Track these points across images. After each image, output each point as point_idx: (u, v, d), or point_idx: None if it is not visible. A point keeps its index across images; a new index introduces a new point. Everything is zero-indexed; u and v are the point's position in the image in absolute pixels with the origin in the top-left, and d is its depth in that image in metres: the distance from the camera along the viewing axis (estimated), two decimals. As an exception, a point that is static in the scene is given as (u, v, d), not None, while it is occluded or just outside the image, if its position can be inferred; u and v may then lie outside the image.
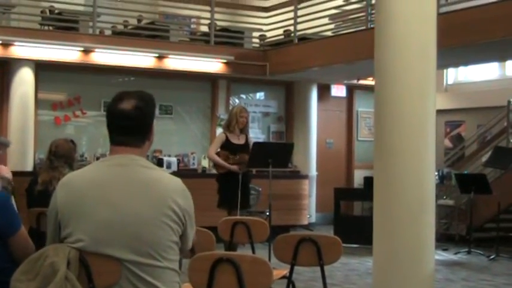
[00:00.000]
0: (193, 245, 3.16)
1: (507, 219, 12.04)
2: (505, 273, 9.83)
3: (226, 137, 8.82)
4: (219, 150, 8.83)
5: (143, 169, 3.01)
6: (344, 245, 4.87)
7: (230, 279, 3.35)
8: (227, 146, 8.76)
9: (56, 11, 12.75)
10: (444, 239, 12.45)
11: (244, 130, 8.90)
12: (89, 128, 13.29)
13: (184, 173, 12.35)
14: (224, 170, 8.73)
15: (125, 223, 2.88)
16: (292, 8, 13.43)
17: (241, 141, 8.84)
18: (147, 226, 2.89)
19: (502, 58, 12.96)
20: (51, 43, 11.70)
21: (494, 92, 14.04)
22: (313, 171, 14.38)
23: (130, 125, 3.04)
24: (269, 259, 6.80)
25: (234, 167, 8.65)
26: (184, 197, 3.01)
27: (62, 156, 6.07)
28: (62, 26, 12.38)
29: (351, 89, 15.72)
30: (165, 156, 12.79)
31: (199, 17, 14.49)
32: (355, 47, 11.17)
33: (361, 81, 14.98)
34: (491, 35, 9.20)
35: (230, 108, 13.79)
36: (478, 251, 11.21)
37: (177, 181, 3.04)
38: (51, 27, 12.56)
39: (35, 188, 6.05)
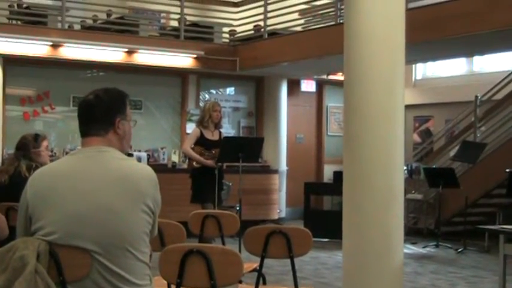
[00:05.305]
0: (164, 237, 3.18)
1: (474, 213, 12.18)
2: (472, 265, 9.96)
3: (201, 132, 8.86)
4: (193, 145, 8.86)
5: (114, 160, 3.01)
6: (314, 239, 4.89)
7: (201, 271, 3.36)
8: (202, 142, 8.81)
9: (24, 5, 12.64)
10: (413, 233, 12.57)
11: (218, 125, 8.95)
12: (58, 123, 13.20)
13: (154, 168, 12.15)
14: (198, 165, 8.76)
15: (95, 215, 2.88)
16: (262, 3, 13.45)
17: (215, 137, 8.91)
18: (119, 218, 2.89)
19: (469, 53, 13.11)
20: (20, 37, 11.59)
21: (462, 87, 14.19)
22: (283, 166, 14.43)
23: (88, 112, 3.09)
24: (239, 253, 6.81)
25: (210, 162, 8.69)
26: (155, 187, 3.03)
27: (18, 150, 6.21)
28: (31, 20, 12.27)
29: (320, 84, 15.79)
30: (135, 151, 12.74)
31: (169, 12, 14.44)
32: (324, 42, 11.22)
33: (331, 77, 15.05)
34: (459, 31, 9.29)
35: (200, 103, 13.86)
36: (446, 245, 11.33)
37: (149, 171, 3.06)
38: (19, 22, 12.46)
39: None
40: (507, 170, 10.44)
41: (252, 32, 14.05)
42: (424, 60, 14.06)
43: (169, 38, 13.56)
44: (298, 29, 13.24)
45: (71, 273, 2.89)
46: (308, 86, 15.56)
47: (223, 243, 5.71)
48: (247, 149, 8.91)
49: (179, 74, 14.02)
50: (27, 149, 6.19)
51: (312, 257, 9.94)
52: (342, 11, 10.29)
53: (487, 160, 12.02)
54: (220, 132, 9.03)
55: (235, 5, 14.41)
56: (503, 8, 8.78)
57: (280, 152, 14.48)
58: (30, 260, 2.80)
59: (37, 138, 6.30)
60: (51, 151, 12.18)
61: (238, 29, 14.23)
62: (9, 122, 12.51)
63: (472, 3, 9.18)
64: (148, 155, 13.05)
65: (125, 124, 3.12)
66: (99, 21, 13.55)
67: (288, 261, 4.82)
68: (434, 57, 13.17)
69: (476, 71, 14.77)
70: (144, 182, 2.99)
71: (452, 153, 12.89)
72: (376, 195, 6.16)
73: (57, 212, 2.90)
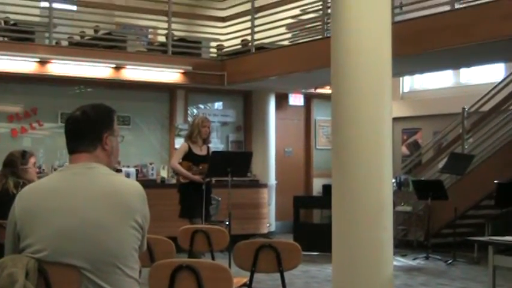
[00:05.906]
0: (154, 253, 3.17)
1: (463, 225, 12.21)
2: (461, 277, 9.97)
3: (189, 147, 8.86)
4: (181, 160, 8.86)
5: (102, 176, 3.00)
6: (304, 252, 4.90)
7: (190, 286, 3.35)
8: (190, 157, 8.82)
9: (12, 22, 12.62)
10: (402, 245, 12.58)
11: (206, 141, 8.97)
12: (46, 140, 13.15)
13: (143, 183, 12.09)
14: (186, 180, 8.76)
15: (84, 231, 2.86)
16: (249, 17, 13.48)
17: (204, 152, 8.92)
18: (108, 234, 2.87)
19: (456, 66, 13.18)
20: (7, 54, 11.56)
21: (449, 100, 14.25)
22: (272, 180, 14.43)
23: (76, 128, 3.07)
24: (229, 268, 6.80)
25: (197, 178, 8.70)
26: (143, 202, 3.02)
27: (5, 166, 6.26)
28: (18, 37, 12.25)
29: (308, 98, 15.82)
30: (123, 167, 12.71)
31: (156, 27, 14.46)
32: (312, 56, 11.24)
33: (319, 90, 15.07)
34: (445, 44, 9.34)
35: (188, 118, 13.85)
36: (436, 256, 11.35)
37: (137, 186, 3.05)
38: (6, 38, 12.43)
39: None
40: (495, 182, 10.47)
41: (240, 46, 14.08)
42: (411, 73, 14.12)
43: (156, 53, 13.57)
44: (286, 43, 13.28)
45: (60, 290, 2.88)
46: (296, 99, 15.59)
47: (213, 258, 5.70)
48: (236, 163, 8.91)
49: (167, 89, 14.02)
50: (15, 165, 6.19)
51: (302, 271, 9.93)
52: (329, 25, 10.32)
53: (475, 172, 12.07)
54: (208, 147, 9.05)
55: (223, 19, 14.44)
56: (488, 20, 8.83)
57: (269, 166, 14.48)
58: (19, 278, 2.78)
59: (24, 155, 6.30)
60: (40, 168, 12.13)
61: (226, 44, 14.26)
62: (-3, 139, 12.47)
63: (458, 16, 9.24)
64: (137, 170, 13.03)
65: (112, 140, 3.10)
66: (86, 37, 13.54)
67: (278, 275, 4.82)
68: (422, 70, 13.22)
69: (463, 83, 14.84)
70: (133, 197, 2.98)
71: (440, 165, 12.92)
72: (365, 208, 6.17)
73: (46, 229, 2.89)
